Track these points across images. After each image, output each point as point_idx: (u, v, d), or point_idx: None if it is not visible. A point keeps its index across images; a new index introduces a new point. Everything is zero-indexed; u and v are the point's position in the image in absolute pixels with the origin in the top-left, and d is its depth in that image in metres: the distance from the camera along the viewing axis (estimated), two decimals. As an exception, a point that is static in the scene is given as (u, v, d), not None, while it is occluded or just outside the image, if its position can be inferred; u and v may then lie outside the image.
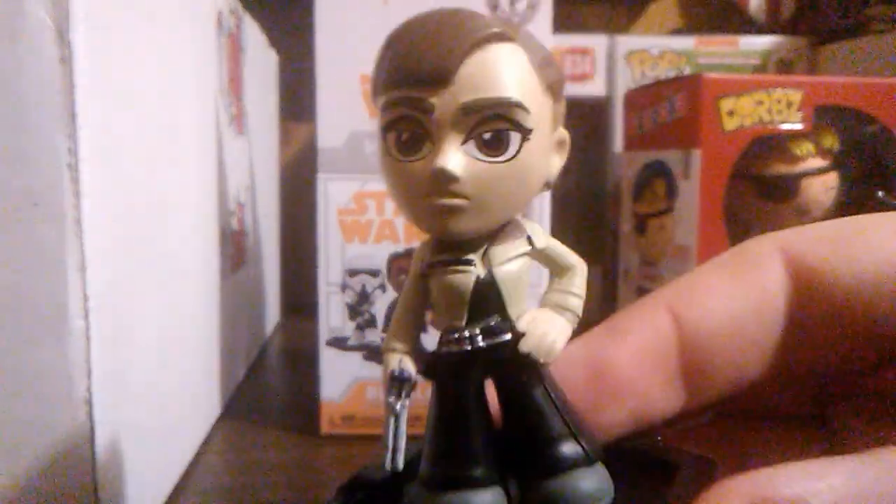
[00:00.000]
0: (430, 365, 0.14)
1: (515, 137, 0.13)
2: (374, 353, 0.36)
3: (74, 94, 0.20)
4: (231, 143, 0.41)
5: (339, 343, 0.36)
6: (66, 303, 0.20)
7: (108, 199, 0.22)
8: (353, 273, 0.35)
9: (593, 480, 0.14)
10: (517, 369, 0.14)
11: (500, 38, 0.13)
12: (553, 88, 0.14)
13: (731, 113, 0.39)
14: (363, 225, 0.35)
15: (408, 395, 0.14)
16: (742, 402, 0.17)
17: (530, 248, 0.14)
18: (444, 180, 0.13)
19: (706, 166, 0.39)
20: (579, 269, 0.15)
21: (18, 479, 0.21)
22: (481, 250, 0.14)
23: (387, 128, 0.13)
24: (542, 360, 0.14)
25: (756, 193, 0.42)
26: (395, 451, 0.13)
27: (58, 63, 0.20)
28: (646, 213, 0.44)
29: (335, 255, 0.35)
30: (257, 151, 0.51)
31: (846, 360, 0.16)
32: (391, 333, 0.14)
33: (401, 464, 0.13)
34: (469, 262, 0.14)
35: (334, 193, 0.35)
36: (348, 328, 0.35)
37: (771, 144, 0.40)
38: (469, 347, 0.14)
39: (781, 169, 0.41)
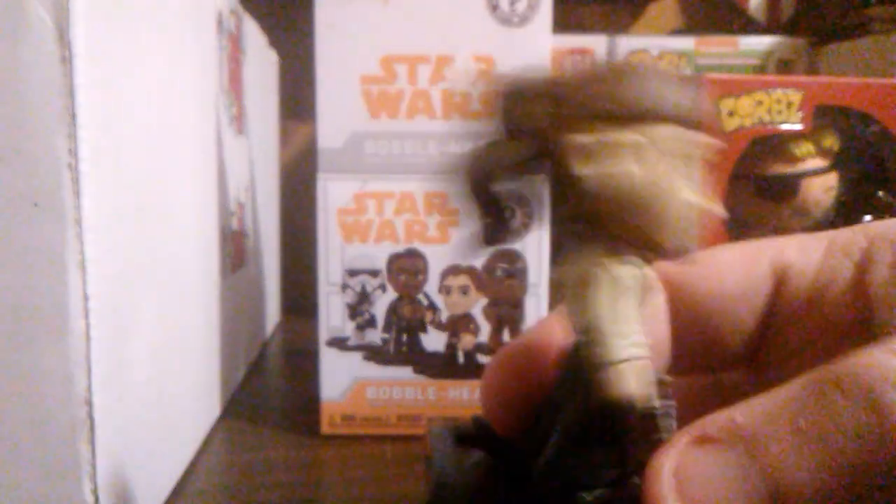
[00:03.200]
0: None
1: None
2: (374, 353, 0.36)
3: (74, 94, 0.20)
4: (231, 143, 0.41)
5: (339, 343, 0.36)
6: (66, 303, 0.20)
7: (108, 199, 0.22)
8: (353, 273, 0.35)
9: None
10: None
11: None
12: None
13: (731, 113, 0.39)
14: (363, 225, 0.35)
15: None
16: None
17: None
18: None
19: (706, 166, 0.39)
20: None
21: (18, 480, 0.21)
22: None
23: None
24: None
25: (756, 193, 0.42)
26: None
27: (58, 63, 0.20)
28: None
29: (335, 255, 0.35)
30: (257, 151, 0.51)
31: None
32: None
33: None
34: None
35: (334, 193, 0.35)
36: (348, 328, 0.35)
37: (771, 144, 0.40)
38: None
39: (781, 169, 0.41)
